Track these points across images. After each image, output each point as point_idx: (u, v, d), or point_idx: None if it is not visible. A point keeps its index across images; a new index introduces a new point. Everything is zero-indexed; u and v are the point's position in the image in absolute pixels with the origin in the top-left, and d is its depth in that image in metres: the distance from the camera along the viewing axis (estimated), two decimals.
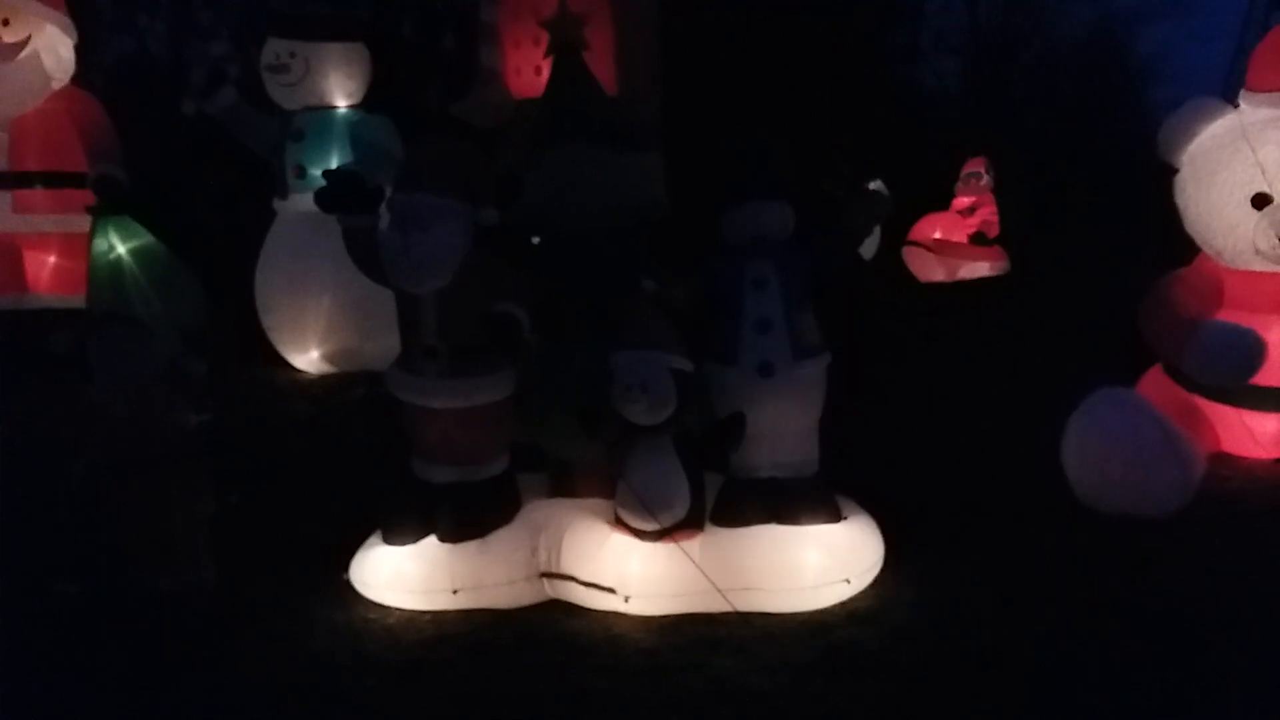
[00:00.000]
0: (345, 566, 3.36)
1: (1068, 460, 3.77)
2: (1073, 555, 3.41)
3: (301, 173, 5.52)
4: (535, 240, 3.83)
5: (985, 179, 9.08)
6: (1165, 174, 4.17)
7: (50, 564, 3.48)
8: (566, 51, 3.79)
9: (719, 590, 3.08)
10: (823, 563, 3.14)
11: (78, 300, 5.30)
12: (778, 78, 8.41)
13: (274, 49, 5.55)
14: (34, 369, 4.71)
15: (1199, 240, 4.15)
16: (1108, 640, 2.91)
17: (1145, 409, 3.72)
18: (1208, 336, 3.76)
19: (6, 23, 5.59)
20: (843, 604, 3.14)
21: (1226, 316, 3.91)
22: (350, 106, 5.72)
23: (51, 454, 3.82)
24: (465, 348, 3.19)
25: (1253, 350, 3.70)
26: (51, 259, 5.71)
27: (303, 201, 5.24)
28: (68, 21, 5.86)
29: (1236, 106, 4.07)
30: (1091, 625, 2.99)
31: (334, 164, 5.33)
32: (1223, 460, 4.08)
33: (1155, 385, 4.13)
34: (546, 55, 3.84)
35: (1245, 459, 4.12)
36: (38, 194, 5.66)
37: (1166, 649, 2.86)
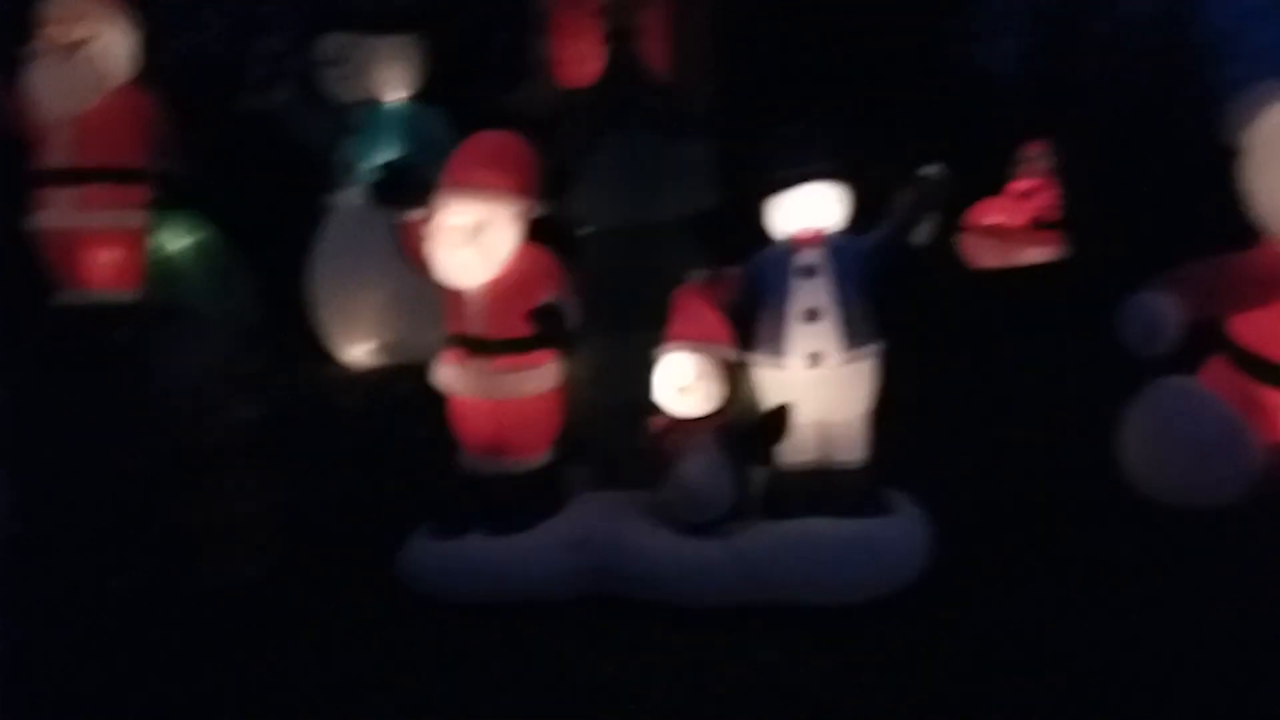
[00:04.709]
0: (393, 559, 3.38)
1: (1126, 449, 3.67)
2: (1129, 546, 3.34)
3: (355, 166, 5.57)
4: (584, 231, 3.83)
5: (1045, 162, 8.88)
6: (1234, 156, 4.04)
7: (104, 558, 3.53)
8: (621, 39, 3.77)
9: (764, 583, 3.06)
10: (871, 556, 3.11)
11: (136, 295, 5.43)
12: (833, 63, 8.30)
13: (329, 43, 5.61)
14: (92, 362, 4.83)
15: (1266, 224, 4.02)
16: (1165, 633, 2.84)
17: (1206, 397, 3.61)
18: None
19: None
20: (890, 598, 3.09)
21: None
22: (404, 99, 5.75)
23: (108, 448, 3.90)
24: (513, 340, 3.19)
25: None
26: (111, 254, 5.80)
27: (357, 195, 5.29)
28: (128, 20, 5.96)
29: None
30: (1149, 619, 2.92)
31: (388, 157, 5.37)
32: None
33: (1217, 374, 4.02)
34: (602, 43, 3.83)
35: None
36: (97, 189, 5.76)
37: (1227, 642, 2.77)
